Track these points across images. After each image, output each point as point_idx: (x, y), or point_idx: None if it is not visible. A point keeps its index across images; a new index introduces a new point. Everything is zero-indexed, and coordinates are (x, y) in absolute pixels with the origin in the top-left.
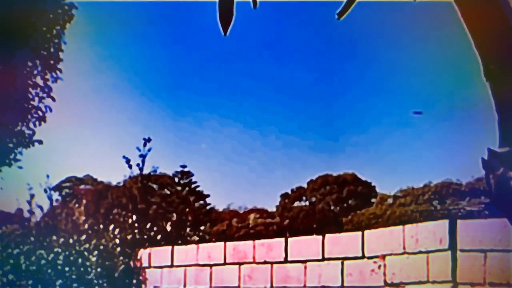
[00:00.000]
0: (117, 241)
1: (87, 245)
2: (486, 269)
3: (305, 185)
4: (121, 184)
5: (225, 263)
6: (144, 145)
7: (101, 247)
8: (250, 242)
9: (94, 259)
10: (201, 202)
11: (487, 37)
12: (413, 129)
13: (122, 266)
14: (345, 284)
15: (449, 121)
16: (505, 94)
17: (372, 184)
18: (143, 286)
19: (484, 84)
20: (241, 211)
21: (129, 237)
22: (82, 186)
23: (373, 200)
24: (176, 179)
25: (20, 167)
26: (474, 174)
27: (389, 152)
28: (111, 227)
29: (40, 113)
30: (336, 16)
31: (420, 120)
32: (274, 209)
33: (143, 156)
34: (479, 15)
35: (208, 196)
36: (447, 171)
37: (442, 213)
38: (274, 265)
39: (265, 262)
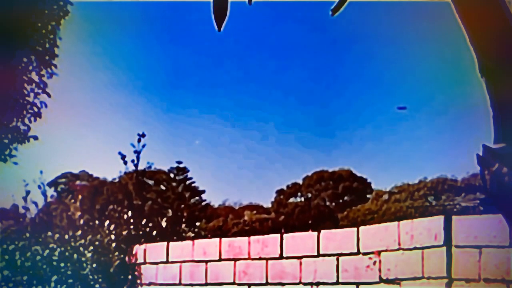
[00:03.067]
0: (113, 237)
1: (82, 241)
2: (481, 265)
3: (300, 181)
4: (117, 180)
5: (220, 259)
6: (139, 141)
7: (97, 242)
8: (245, 238)
9: (89, 254)
10: (197, 198)
11: (486, 36)
12: (409, 125)
13: (118, 262)
14: (340, 280)
15: (444, 118)
16: (504, 92)
17: (368, 180)
18: (138, 281)
19: (479, 81)
20: (237, 207)
21: (124, 233)
22: (77, 182)
23: (368, 196)
24: (172, 175)
25: (15, 163)
26: (469, 170)
27: (385, 148)
28: (107, 223)
29: (36, 109)
30: (330, 13)
31: (416, 116)
32: (270, 205)
33: (137, 152)
34: (478, 14)
35: (203, 192)
36: (442, 167)
37: (438, 209)
38: (269, 261)
39: (260, 258)
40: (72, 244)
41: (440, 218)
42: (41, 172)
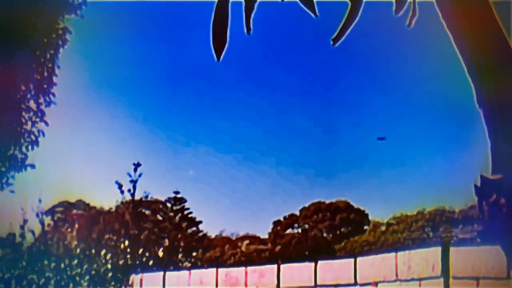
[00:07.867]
0: (109, 266)
1: (78, 270)
2: None
3: (297, 212)
4: (113, 210)
5: None
6: (135, 170)
7: (93, 272)
8: (242, 268)
9: (85, 284)
10: (194, 228)
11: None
12: (406, 155)
13: None
14: None
15: (442, 147)
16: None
17: (365, 212)
18: None
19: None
20: (233, 238)
21: (121, 262)
22: (74, 211)
23: (365, 227)
24: (169, 205)
25: (12, 191)
26: (467, 201)
27: (382, 178)
28: (103, 252)
29: (33, 138)
30: (331, 42)
31: (413, 145)
32: (267, 236)
33: (134, 182)
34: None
35: (200, 222)
36: (440, 198)
37: (435, 240)
38: None
39: None
40: (68, 273)
41: (438, 249)
42: (40, 200)
